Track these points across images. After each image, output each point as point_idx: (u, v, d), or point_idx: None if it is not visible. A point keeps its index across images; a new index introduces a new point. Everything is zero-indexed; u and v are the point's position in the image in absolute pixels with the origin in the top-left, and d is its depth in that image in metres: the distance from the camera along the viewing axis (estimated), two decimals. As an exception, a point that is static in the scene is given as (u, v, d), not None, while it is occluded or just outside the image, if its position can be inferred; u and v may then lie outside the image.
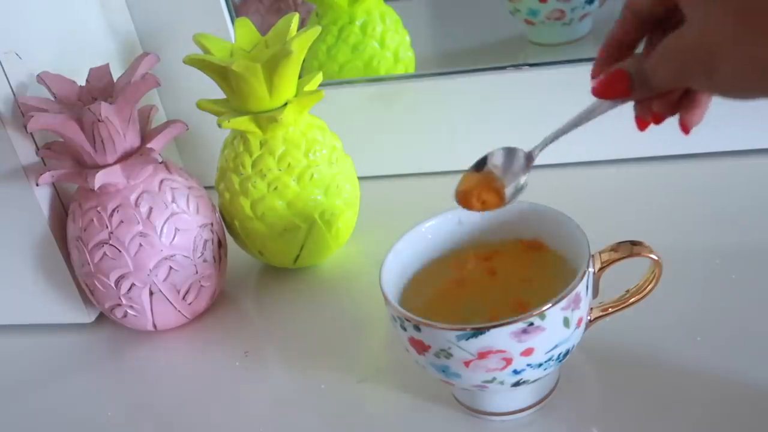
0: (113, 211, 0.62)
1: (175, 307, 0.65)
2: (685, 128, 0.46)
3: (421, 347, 0.49)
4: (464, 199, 0.51)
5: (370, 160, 0.80)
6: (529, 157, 0.49)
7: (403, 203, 0.77)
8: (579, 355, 0.56)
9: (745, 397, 0.51)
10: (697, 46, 0.38)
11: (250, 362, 0.64)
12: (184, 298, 0.65)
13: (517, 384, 0.49)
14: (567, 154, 0.76)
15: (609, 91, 0.44)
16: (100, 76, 0.65)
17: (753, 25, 0.35)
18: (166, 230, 0.63)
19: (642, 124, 0.47)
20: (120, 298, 0.64)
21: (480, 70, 0.76)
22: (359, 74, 0.81)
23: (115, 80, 0.64)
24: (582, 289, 0.48)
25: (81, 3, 0.72)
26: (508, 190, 0.50)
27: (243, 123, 0.65)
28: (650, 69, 0.41)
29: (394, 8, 0.83)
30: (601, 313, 0.53)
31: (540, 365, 0.48)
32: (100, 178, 0.60)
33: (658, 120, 0.46)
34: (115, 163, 0.62)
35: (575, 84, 0.73)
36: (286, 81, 0.64)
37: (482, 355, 0.47)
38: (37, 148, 0.63)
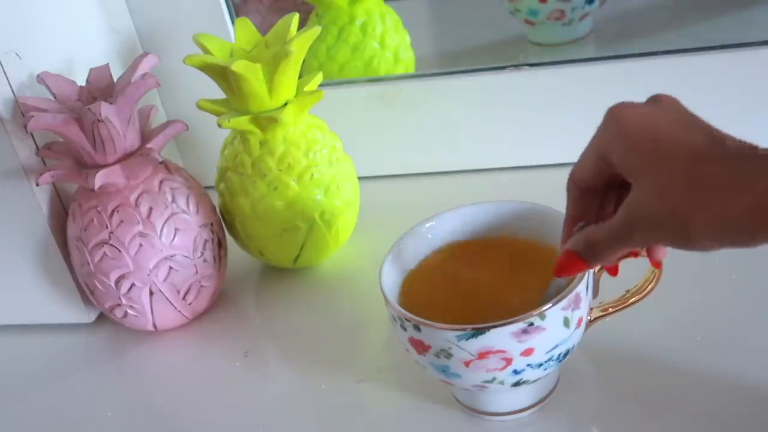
0: (113, 211, 0.62)
1: (175, 307, 0.65)
2: (657, 264, 0.50)
3: (421, 347, 0.49)
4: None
5: (370, 160, 0.80)
6: None
7: (403, 203, 0.77)
8: (579, 355, 0.56)
9: (745, 397, 0.51)
10: (665, 216, 0.40)
11: (250, 362, 0.64)
12: (184, 298, 0.65)
13: (517, 384, 0.49)
14: (567, 154, 0.76)
15: (567, 271, 0.46)
16: (100, 76, 0.65)
17: (700, 195, 0.38)
18: (166, 230, 0.63)
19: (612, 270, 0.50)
20: (120, 298, 0.64)
21: (480, 70, 0.76)
22: (359, 74, 0.81)
23: (115, 80, 0.64)
24: (582, 289, 0.48)
25: (81, 3, 0.72)
26: None
27: (243, 123, 0.65)
28: (615, 239, 0.43)
29: (394, 8, 0.83)
30: (601, 313, 0.53)
31: (540, 365, 0.48)
32: (100, 178, 0.60)
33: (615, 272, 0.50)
34: (115, 163, 0.62)
35: (575, 84, 0.73)
36: (286, 81, 0.64)
37: (482, 355, 0.47)
38: (37, 148, 0.63)
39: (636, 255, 0.49)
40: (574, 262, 0.45)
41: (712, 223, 0.38)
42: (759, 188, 0.37)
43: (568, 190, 0.47)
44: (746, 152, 0.39)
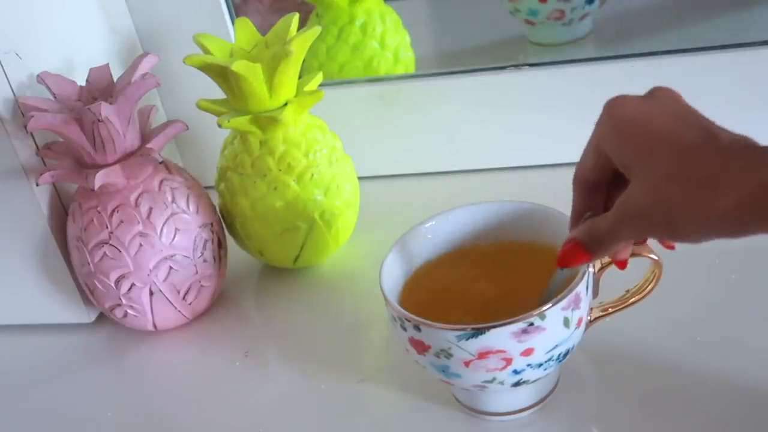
0: (113, 211, 0.62)
1: (175, 307, 0.65)
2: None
3: (421, 347, 0.49)
4: None
5: (370, 160, 0.80)
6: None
7: (403, 203, 0.77)
8: (579, 355, 0.56)
9: (745, 397, 0.51)
10: (655, 208, 0.40)
11: (250, 362, 0.64)
12: (184, 298, 0.65)
13: (517, 384, 0.49)
14: (567, 154, 0.76)
15: (571, 262, 0.46)
16: (100, 76, 0.65)
17: (690, 188, 0.39)
18: (166, 230, 0.63)
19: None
20: (120, 298, 0.64)
21: (480, 70, 0.76)
22: (359, 74, 0.81)
23: (115, 80, 0.64)
24: (582, 289, 0.48)
25: (81, 3, 0.72)
26: None
27: (243, 123, 0.65)
28: (611, 231, 0.43)
29: (394, 8, 0.83)
30: (601, 313, 0.53)
31: (540, 365, 0.48)
32: (100, 178, 0.60)
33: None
34: (115, 163, 0.62)
35: (575, 84, 0.73)
36: (286, 81, 0.64)
37: (482, 355, 0.47)
38: (37, 148, 0.63)
39: (623, 265, 0.49)
40: (577, 251, 0.45)
41: (701, 217, 0.39)
42: (747, 184, 0.37)
43: (574, 186, 0.47)
44: (738, 146, 0.39)
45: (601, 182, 0.46)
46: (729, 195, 0.38)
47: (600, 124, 0.44)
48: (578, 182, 0.47)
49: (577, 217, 0.47)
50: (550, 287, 0.49)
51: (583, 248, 0.45)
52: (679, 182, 0.39)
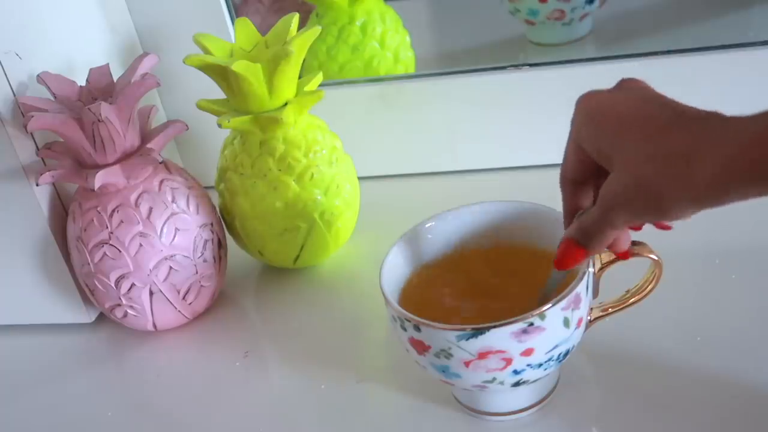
0: (113, 211, 0.62)
1: (175, 307, 0.65)
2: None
3: (421, 347, 0.49)
4: None
5: (370, 160, 0.80)
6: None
7: (403, 203, 0.77)
8: (579, 355, 0.56)
9: (745, 397, 0.51)
10: (637, 190, 0.40)
11: (250, 362, 0.64)
12: (184, 298, 0.65)
13: (517, 384, 0.49)
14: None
15: (568, 262, 0.46)
16: (100, 76, 0.65)
17: (666, 166, 0.39)
18: (166, 230, 0.63)
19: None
20: (120, 298, 0.64)
21: (480, 70, 0.76)
22: (359, 74, 0.81)
23: (115, 80, 0.64)
24: (582, 289, 0.48)
25: (81, 3, 0.72)
26: None
27: (243, 123, 0.65)
28: (599, 221, 0.43)
29: (394, 8, 0.83)
30: (601, 313, 0.53)
31: (540, 365, 0.48)
32: (100, 178, 0.60)
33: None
34: (115, 163, 0.62)
35: (575, 84, 0.73)
36: (286, 81, 0.64)
37: (482, 355, 0.47)
38: (37, 148, 0.63)
39: (626, 256, 0.49)
40: (572, 249, 0.45)
41: (681, 192, 0.39)
42: (718, 156, 0.37)
43: (561, 186, 0.48)
44: (706, 120, 0.40)
45: (585, 179, 0.46)
46: (704, 168, 0.38)
47: (574, 120, 0.45)
48: (564, 182, 0.47)
49: (569, 217, 0.48)
50: (546, 288, 0.49)
51: (577, 245, 0.45)
52: (654, 161, 0.40)
